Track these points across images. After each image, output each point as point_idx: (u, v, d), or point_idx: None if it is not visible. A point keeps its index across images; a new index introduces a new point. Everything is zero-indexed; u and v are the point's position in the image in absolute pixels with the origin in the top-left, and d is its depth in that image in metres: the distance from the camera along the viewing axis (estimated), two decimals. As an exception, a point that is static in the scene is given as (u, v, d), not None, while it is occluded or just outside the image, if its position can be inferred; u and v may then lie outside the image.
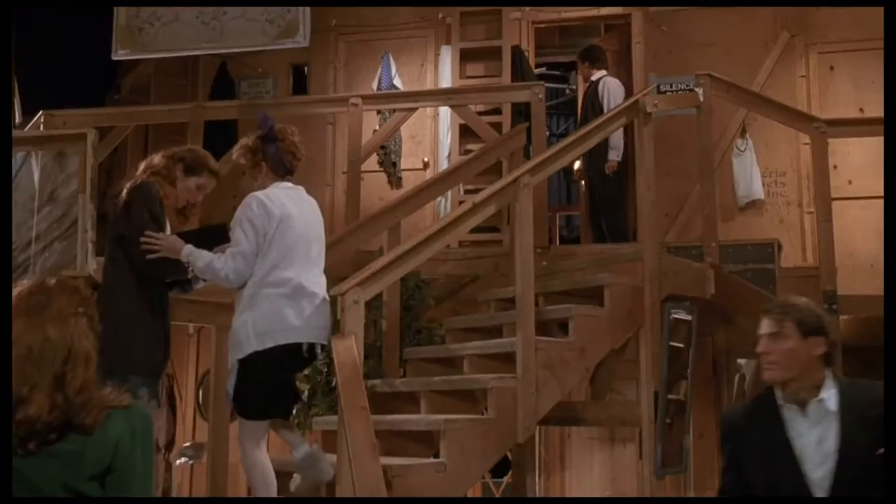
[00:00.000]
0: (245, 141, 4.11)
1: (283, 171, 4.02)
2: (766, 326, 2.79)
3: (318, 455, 3.86)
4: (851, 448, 2.64)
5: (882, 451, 2.57)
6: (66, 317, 2.04)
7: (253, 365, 3.72)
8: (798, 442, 2.69)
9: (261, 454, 3.84)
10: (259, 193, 3.93)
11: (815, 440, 2.68)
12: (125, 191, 3.89)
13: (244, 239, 3.78)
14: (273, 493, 3.86)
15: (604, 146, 6.96)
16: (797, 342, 2.72)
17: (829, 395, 2.71)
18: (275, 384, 3.81)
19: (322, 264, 4.02)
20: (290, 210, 3.90)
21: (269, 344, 3.71)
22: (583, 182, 8.19)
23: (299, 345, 3.77)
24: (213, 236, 3.97)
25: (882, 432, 2.58)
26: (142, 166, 4.01)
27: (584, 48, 7.94)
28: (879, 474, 2.56)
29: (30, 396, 1.95)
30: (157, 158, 4.01)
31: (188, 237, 3.87)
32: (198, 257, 3.77)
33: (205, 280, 4.03)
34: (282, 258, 3.80)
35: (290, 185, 4.05)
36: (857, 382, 2.81)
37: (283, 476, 4.46)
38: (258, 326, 3.71)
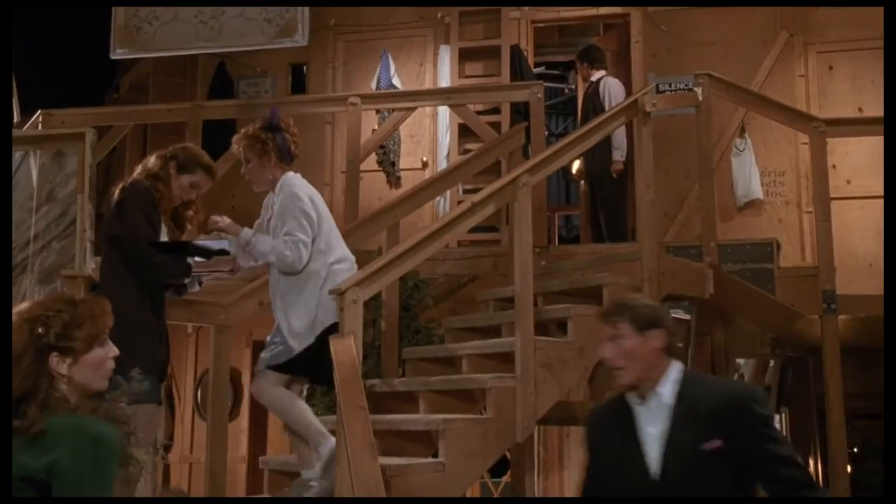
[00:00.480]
0: (246, 131, 4.13)
1: (289, 160, 4.09)
2: (604, 332, 2.79)
3: (318, 488, 3.91)
4: (676, 441, 2.63)
5: (709, 445, 2.57)
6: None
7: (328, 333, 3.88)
8: (641, 436, 2.69)
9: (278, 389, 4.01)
10: (299, 185, 4.05)
11: (656, 434, 2.67)
12: (118, 190, 3.89)
13: (302, 229, 3.94)
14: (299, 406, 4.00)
15: (605, 146, 6.96)
16: (634, 340, 2.71)
17: (666, 389, 2.70)
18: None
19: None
20: (314, 194, 4.09)
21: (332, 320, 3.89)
22: (583, 182, 8.19)
23: None
24: (186, 249, 3.98)
25: (714, 428, 2.59)
26: (138, 168, 4.01)
27: (582, 49, 7.94)
28: (705, 469, 2.58)
29: None
30: (151, 160, 4.02)
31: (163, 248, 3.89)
32: (258, 242, 3.97)
33: (200, 284, 4.07)
34: (334, 237, 4.07)
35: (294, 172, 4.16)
36: (700, 376, 2.85)
37: (283, 475, 4.47)
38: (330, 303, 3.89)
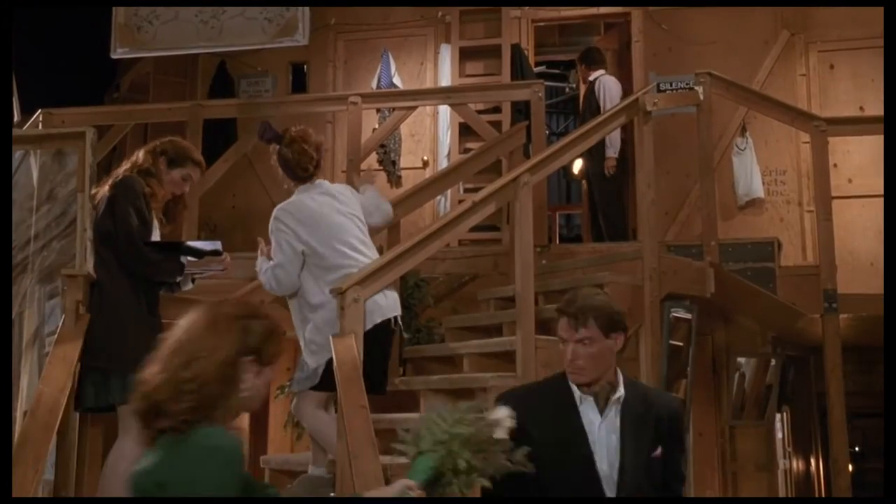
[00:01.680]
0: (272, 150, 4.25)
1: (299, 176, 4.09)
2: (567, 329, 2.72)
3: (324, 485, 3.96)
4: (629, 446, 2.67)
5: (655, 453, 2.67)
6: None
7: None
8: (591, 435, 2.68)
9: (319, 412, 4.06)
10: (284, 207, 4.11)
11: (605, 434, 2.69)
12: (108, 186, 3.89)
13: (278, 250, 4.02)
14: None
15: (600, 145, 6.96)
16: (602, 343, 2.68)
17: (621, 391, 2.73)
18: (379, 357, 4.07)
19: (371, 243, 4.28)
20: (307, 213, 4.06)
21: (369, 325, 3.94)
22: (584, 181, 8.19)
23: (388, 320, 4.05)
24: (178, 249, 3.99)
25: (657, 435, 2.68)
26: (126, 164, 4.01)
27: (582, 51, 7.94)
28: (652, 474, 2.67)
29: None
30: (140, 155, 4.01)
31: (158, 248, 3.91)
32: (260, 270, 4.11)
33: (193, 282, 4.10)
34: (338, 245, 4.05)
35: (310, 184, 4.16)
36: (637, 382, 2.88)
37: (284, 474, 4.47)
38: None
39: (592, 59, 7.58)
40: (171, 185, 4.02)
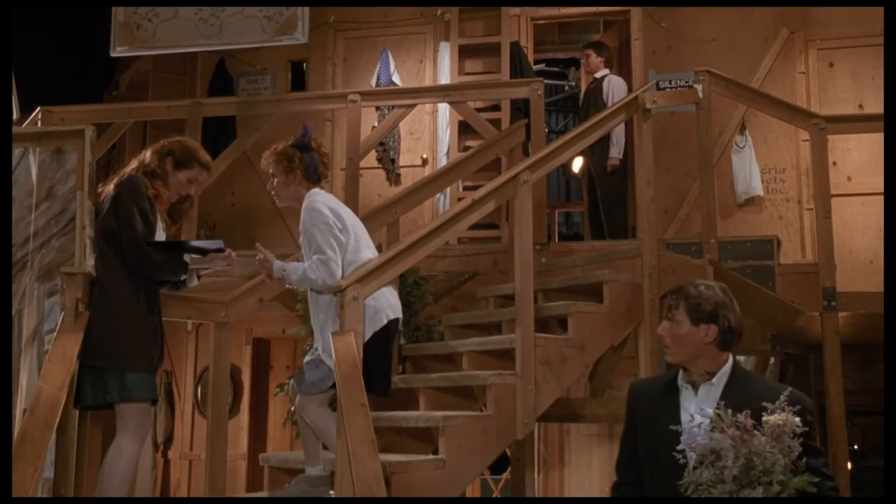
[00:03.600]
0: (276, 147, 4.11)
1: (316, 179, 4.07)
2: (665, 310, 2.91)
3: (322, 483, 3.92)
4: None
5: None
6: None
7: (371, 345, 3.88)
8: (684, 422, 2.73)
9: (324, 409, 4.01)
10: (319, 199, 4.02)
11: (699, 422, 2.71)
12: (112, 185, 3.88)
13: (328, 244, 3.92)
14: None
15: (606, 143, 6.96)
16: (688, 329, 2.81)
17: (719, 380, 2.79)
18: (387, 357, 4.04)
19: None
20: (339, 206, 4.07)
21: (384, 321, 3.93)
22: (584, 179, 8.19)
23: (397, 319, 4.04)
24: (181, 249, 3.98)
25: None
26: (133, 163, 3.99)
27: (594, 41, 7.92)
28: None
29: None
30: (147, 155, 3.99)
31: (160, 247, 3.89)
32: (291, 271, 3.95)
33: (198, 278, 4.09)
34: (364, 245, 4.05)
35: (319, 188, 4.13)
36: (749, 374, 2.91)
37: (283, 472, 4.46)
38: (369, 309, 3.90)
39: (603, 49, 7.59)
40: (176, 187, 4.01)
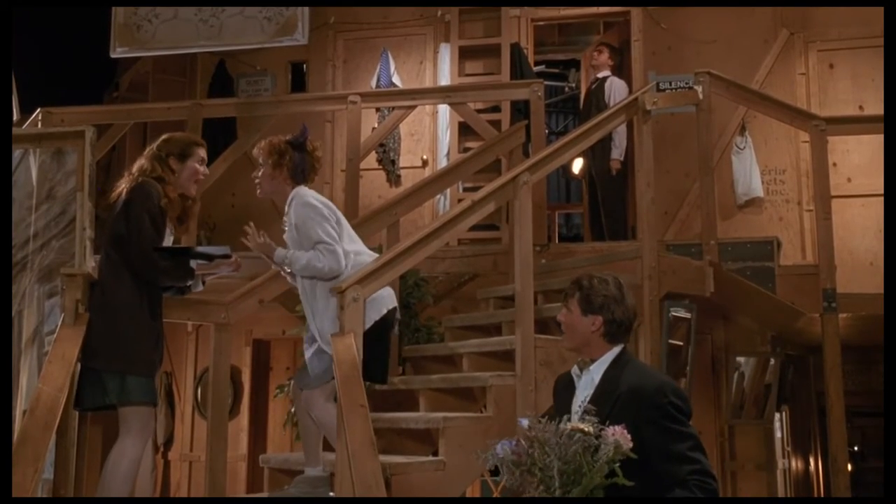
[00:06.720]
0: (272, 139, 4.13)
1: (301, 179, 4.09)
2: (563, 298, 3.06)
3: (322, 484, 3.93)
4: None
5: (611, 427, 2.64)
6: None
7: (371, 333, 3.91)
8: (572, 407, 2.88)
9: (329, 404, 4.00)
10: (311, 194, 4.06)
11: (576, 409, 2.84)
12: (125, 191, 3.87)
13: (328, 234, 3.96)
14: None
15: (607, 144, 6.96)
16: (578, 318, 2.96)
17: (596, 368, 2.91)
18: (385, 345, 4.09)
19: None
20: (327, 201, 4.13)
21: (384, 311, 3.99)
22: (584, 180, 8.19)
23: (395, 309, 4.10)
24: (188, 255, 3.98)
25: (623, 413, 2.68)
26: (134, 171, 3.97)
27: (609, 43, 7.94)
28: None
29: None
30: (145, 164, 3.96)
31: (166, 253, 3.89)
32: (295, 259, 3.95)
33: (203, 283, 4.08)
34: (352, 240, 4.11)
35: (304, 187, 4.16)
36: (631, 363, 2.93)
37: (283, 473, 4.46)
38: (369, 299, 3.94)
39: (616, 52, 7.60)
40: (191, 177, 4.01)
